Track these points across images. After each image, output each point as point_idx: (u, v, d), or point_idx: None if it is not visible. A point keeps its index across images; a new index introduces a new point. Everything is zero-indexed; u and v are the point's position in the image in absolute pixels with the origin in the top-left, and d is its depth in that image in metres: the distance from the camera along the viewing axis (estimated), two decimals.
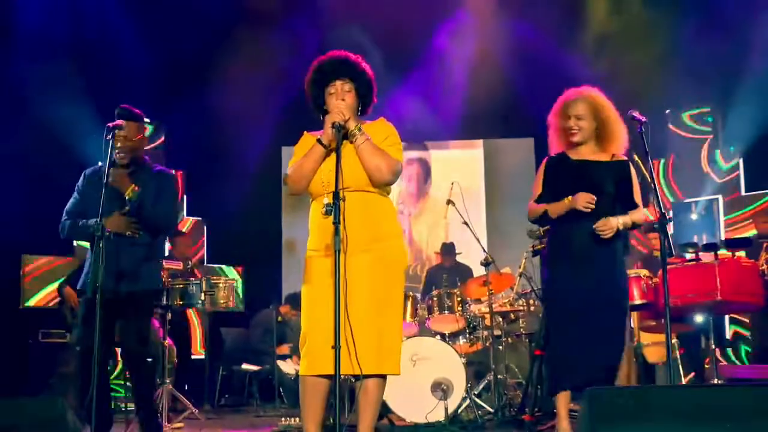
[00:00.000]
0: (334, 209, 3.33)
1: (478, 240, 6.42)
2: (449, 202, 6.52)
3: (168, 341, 6.65)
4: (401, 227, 3.85)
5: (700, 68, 8.42)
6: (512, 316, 6.78)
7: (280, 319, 8.18)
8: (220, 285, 5.63)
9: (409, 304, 6.41)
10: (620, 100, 8.81)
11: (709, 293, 4.96)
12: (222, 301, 5.61)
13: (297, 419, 6.12)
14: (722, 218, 8.72)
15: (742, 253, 6.29)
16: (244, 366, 8.26)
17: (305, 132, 3.99)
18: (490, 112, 9.67)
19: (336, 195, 3.35)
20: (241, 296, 8.44)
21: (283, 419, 6.07)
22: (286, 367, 8.43)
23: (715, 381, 5.43)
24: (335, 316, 3.28)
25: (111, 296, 4.38)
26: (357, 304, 3.49)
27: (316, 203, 3.75)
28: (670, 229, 4.82)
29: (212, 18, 9.44)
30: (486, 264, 6.19)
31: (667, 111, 9.28)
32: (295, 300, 8.74)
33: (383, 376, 3.68)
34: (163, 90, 9.28)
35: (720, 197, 8.88)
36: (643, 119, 4.13)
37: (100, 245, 4.09)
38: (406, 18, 9.30)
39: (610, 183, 4.29)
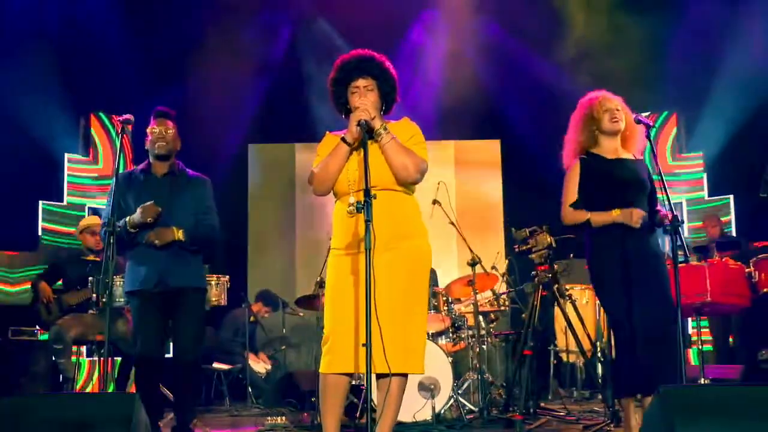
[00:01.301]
0: (366, 207, 3.31)
1: (465, 240, 6.46)
2: (435, 202, 6.54)
3: None
4: (426, 226, 3.84)
5: (667, 73, 8.62)
6: (492, 316, 6.85)
7: (252, 318, 8.12)
8: (213, 283, 5.57)
9: None
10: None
11: (700, 294, 5.08)
12: (214, 299, 5.55)
13: (283, 418, 6.09)
14: (686, 223, 8.93)
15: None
16: (215, 365, 8.17)
17: (327, 132, 3.96)
18: (459, 114, 9.73)
19: (367, 193, 3.34)
20: None
21: (269, 418, 6.03)
22: (257, 366, 8.39)
23: (702, 381, 5.54)
24: (367, 314, 3.27)
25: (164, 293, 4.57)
26: (382, 303, 3.47)
27: (341, 202, 3.73)
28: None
29: (181, 14, 9.34)
30: (473, 264, 6.24)
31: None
32: (266, 297, 8.69)
33: (406, 375, 3.69)
34: (129, 86, 9.15)
35: (684, 201, 9.11)
36: (651, 123, 4.20)
37: (111, 242, 4.09)
38: (378, 17, 9.32)
39: (647, 179, 4.39)
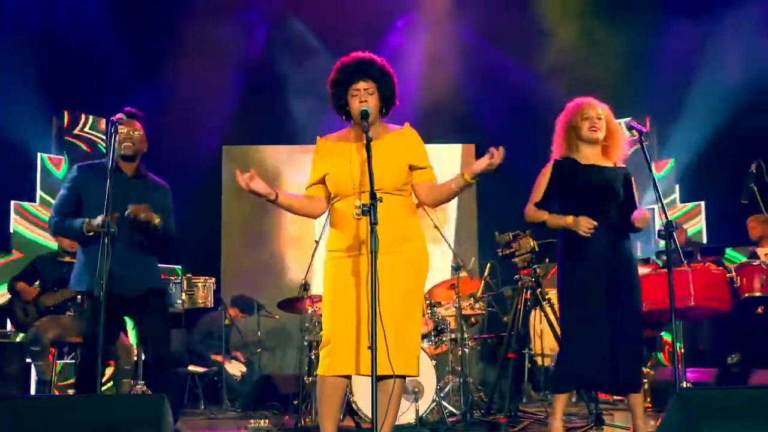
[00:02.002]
0: (371, 210, 3.32)
1: (449, 244, 6.49)
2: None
3: (126, 341, 6.49)
4: (422, 229, 3.86)
5: (641, 81, 8.74)
6: (473, 320, 6.89)
7: (228, 321, 8.06)
8: (199, 285, 5.55)
9: None
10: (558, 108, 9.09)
11: (684, 299, 5.14)
12: (201, 301, 5.54)
13: (266, 421, 6.06)
14: (657, 228, 9.04)
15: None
16: (191, 368, 8.10)
17: (318, 137, 3.95)
18: (435, 117, 9.76)
19: (372, 196, 3.36)
20: None
21: (251, 421, 6.00)
22: (232, 368, 8.33)
23: (685, 384, 5.62)
24: (372, 316, 3.28)
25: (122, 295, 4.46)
26: (384, 306, 3.48)
27: (343, 203, 3.72)
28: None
29: (157, 13, 9.27)
30: (456, 268, 6.26)
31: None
32: (242, 302, 8.65)
33: (403, 377, 3.70)
34: (101, 85, 9.07)
35: (656, 207, 9.21)
36: (644, 129, 4.26)
37: (106, 242, 4.01)
38: (355, 18, 9.35)
39: (620, 187, 4.42)
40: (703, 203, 8.97)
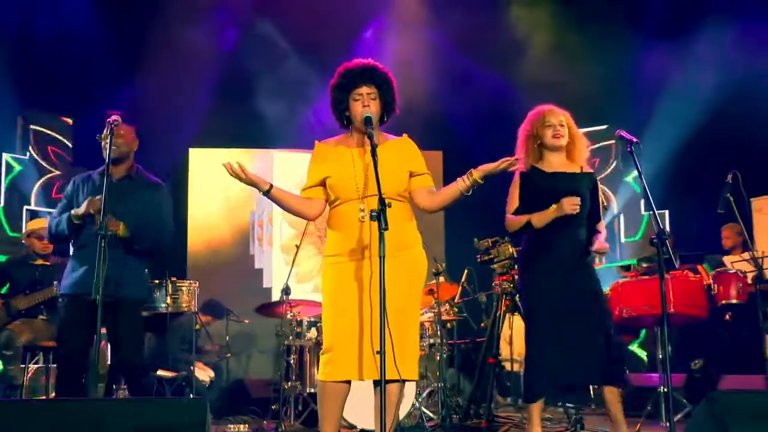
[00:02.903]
0: (381, 215, 3.33)
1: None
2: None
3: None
4: (420, 235, 3.89)
5: (609, 90, 8.88)
6: (449, 325, 6.93)
7: (198, 326, 7.97)
8: (184, 289, 5.51)
9: None
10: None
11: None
12: (185, 305, 5.50)
13: (245, 426, 6.03)
14: (623, 238, 9.21)
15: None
16: (160, 372, 7.99)
17: (316, 142, 3.95)
18: (403, 123, 9.78)
19: (381, 201, 3.37)
20: None
21: (230, 426, 5.96)
22: (200, 374, 8.25)
23: (662, 389, 5.72)
24: (381, 321, 3.29)
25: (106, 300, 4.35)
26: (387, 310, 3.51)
27: (345, 208, 3.72)
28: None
29: (125, 15, 9.17)
30: (436, 273, 6.30)
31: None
32: (211, 308, 8.58)
33: (403, 381, 3.72)
34: (71, 87, 8.95)
35: (622, 216, 9.39)
36: (635, 140, 4.32)
37: (102, 245, 3.98)
38: (327, 21, 9.36)
39: (586, 192, 4.47)
40: (667, 212, 9.14)
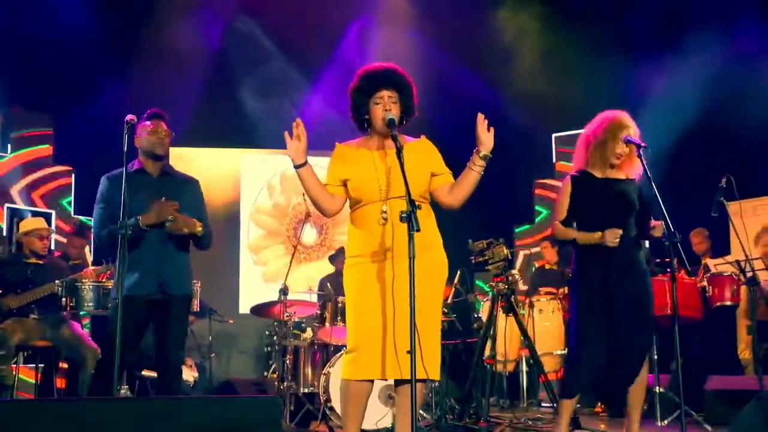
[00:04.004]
0: (411, 216, 3.35)
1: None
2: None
3: (93, 344, 6.35)
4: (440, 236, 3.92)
5: (591, 94, 8.99)
6: (444, 326, 6.98)
7: None
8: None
9: None
10: (517, 123, 9.26)
11: (661, 308, 5.34)
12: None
13: None
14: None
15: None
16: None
17: (337, 143, 3.95)
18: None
19: (411, 202, 3.40)
20: None
21: None
22: (186, 374, 8.21)
23: (658, 389, 5.83)
24: (411, 320, 3.31)
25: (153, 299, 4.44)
26: (407, 310, 3.53)
27: (367, 209, 3.74)
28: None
29: (110, 13, 9.10)
30: None
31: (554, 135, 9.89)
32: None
33: (424, 381, 3.75)
34: (54, 84, 8.86)
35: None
36: (644, 144, 4.39)
37: (124, 245, 3.97)
38: (311, 20, 9.38)
39: (636, 199, 4.52)
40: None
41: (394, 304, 3.62)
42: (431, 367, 3.66)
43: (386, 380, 3.77)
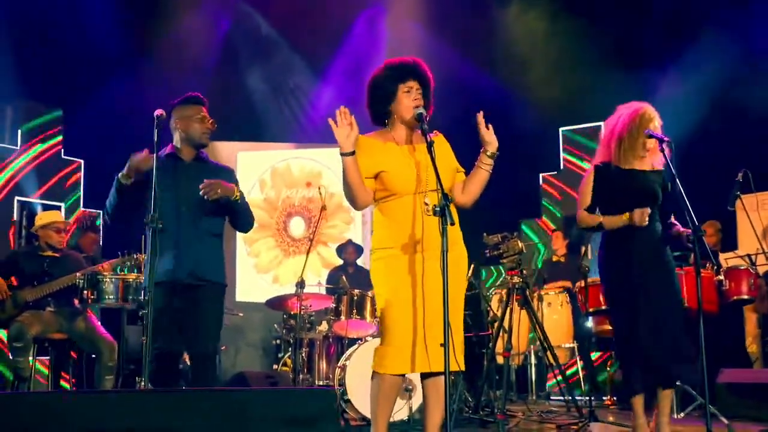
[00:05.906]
0: (445, 210, 3.37)
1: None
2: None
3: (110, 337, 6.37)
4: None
5: (596, 87, 9.01)
6: None
7: None
8: None
9: (368, 303, 6.49)
10: (524, 117, 9.26)
11: None
12: None
13: None
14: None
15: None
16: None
17: (360, 135, 3.88)
18: None
19: (445, 196, 3.42)
20: None
21: None
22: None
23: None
24: (444, 313, 3.34)
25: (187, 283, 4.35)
26: (436, 303, 3.56)
27: (399, 202, 3.73)
28: None
29: (116, 8, 9.11)
30: None
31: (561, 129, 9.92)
32: None
33: (457, 373, 3.77)
34: (63, 78, 8.86)
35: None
36: (666, 138, 4.40)
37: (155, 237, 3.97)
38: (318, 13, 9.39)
39: (659, 189, 4.52)
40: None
41: (424, 298, 3.63)
42: (461, 359, 3.68)
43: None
